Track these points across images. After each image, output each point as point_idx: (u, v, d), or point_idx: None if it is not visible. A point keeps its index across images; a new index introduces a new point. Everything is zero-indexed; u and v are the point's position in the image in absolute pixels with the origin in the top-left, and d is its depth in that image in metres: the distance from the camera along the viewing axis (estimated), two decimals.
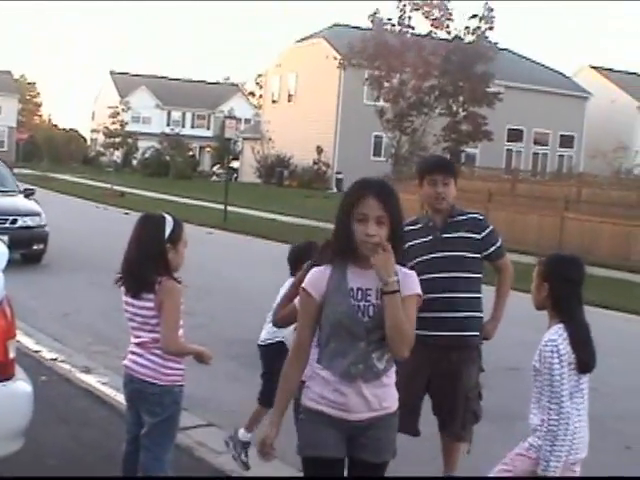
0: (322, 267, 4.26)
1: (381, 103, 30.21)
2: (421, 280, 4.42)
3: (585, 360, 4.94)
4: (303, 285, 4.24)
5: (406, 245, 6.07)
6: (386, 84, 30.21)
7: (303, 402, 4.34)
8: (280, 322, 5.97)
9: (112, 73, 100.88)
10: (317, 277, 4.24)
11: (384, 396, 4.26)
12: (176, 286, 5.07)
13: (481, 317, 6.43)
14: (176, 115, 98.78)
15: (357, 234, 4.11)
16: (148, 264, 5.06)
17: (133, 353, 5.24)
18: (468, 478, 5.20)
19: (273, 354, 6.71)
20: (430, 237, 6.33)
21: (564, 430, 4.84)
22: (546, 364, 4.86)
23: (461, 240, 6.28)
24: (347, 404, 4.19)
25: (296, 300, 5.79)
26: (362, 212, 4.10)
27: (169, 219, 5.14)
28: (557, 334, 4.91)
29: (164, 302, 5.02)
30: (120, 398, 7.19)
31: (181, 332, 5.18)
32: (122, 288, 5.23)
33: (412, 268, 5.88)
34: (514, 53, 66.65)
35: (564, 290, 5.01)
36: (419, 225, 6.41)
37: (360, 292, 4.18)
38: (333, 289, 4.18)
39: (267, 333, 7.11)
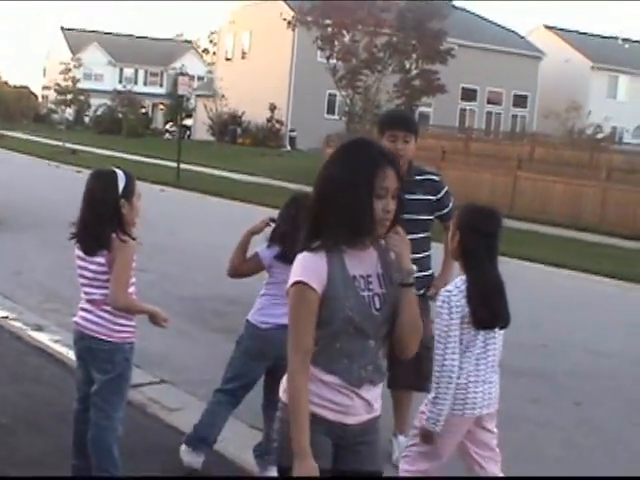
0: (313, 254, 3.54)
1: (333, 61, 30.04)
2: None
3: (481, 316, 4.80)
4: (300, 278, 3.51)
5: None
6: (337, 43, 30.04)
7: (285, 399, 3.67)
8: (234, 273, 5.97)
9: (63, 29, 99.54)
10: (314, 267, 3.51)
11: (378, 396, 3.75)
12: (129, 242, 5.02)
13: (432, 274, 6.45)
14: (128, 72, 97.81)
15: (375, 211, 3.50)
16: (103, 221, 5.00)
17: (83, 310, 5.21)
18: (466, 478, 5.18)
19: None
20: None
21: (446, 383, 4.80)
22: (437, 314, 4.87)
23: (417, 202, 6.12)
24: (350, 407, 3.62)
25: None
26: (384, 186, 3.50)
27: (121, 174, 5.08)
28: (454, 285, 4.85)
29: (116, 258, 4.98)
30: (72, 356, 7.14)
31: (133, 289, 5.15)
32: (75, 245, 5.18)
33: None
34: (469, 12, 66.65)
35: (472, 242, 4.87)
36: None
37: (362, 280, 3.59)
38: (336, 280, 3.51)
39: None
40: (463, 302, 4.77)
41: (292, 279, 3.56)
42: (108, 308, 5.07)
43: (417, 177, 6.35)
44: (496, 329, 4.91)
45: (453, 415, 4.87)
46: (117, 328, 5.12)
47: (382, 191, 3.49)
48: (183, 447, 6.02)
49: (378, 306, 3.59)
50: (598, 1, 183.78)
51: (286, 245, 5.59)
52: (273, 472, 5.80)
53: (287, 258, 5.60)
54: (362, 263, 3.60)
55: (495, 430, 5.11)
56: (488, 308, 4.81)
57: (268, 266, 5.76)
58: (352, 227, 3.51)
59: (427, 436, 4.93)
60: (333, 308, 3.51)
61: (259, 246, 5.83)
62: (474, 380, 4.87)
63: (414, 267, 3.63)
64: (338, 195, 3.52)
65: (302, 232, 3.66)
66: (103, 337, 5.11)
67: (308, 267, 3.54)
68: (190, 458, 5.98)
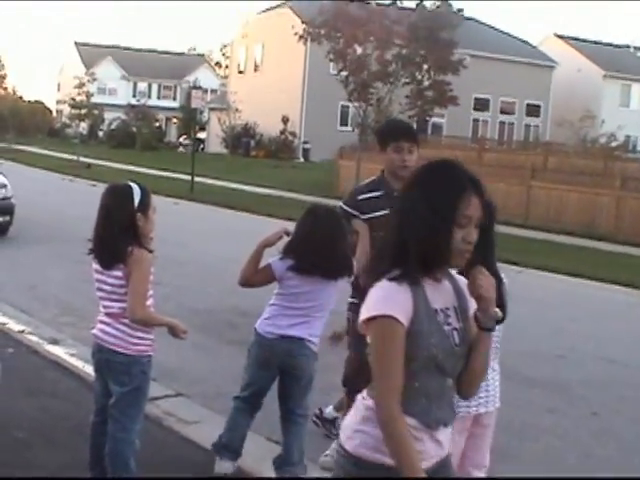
0: (395, 284, 3.21)
1: (345, 74, 30.06)
2: None
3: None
4: (386, 312, 3.17)
5: (371, 215, 6.02)
6: (349, 56, 30.07)
7: (354, 449, 3.32)
8: (245, 283, 5.99)
9: (77, 44, 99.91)
10: (400, 298, 3.19)
11: (449, 435, 3.48)
12: (146, 255, 5.04)
13: None
14: (142, 86, 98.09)
15: (454, 241, 3.21)
16: (119, 235, 5.03)
17: (102, 322, 5.23)
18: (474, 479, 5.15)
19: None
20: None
21: None
22: None
23: None
24: (422, 452, 3.28)
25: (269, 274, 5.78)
26: (467, 214, 3.20)
27: (136, 187, 5.11)
28: None
29: (133, 271, 5.00)
30: (88, 369, 7.18)
31: (151, 302, 5.17)
32: (93, 259, 5.20)
33: (374, 239, 5.93)
34: (480, 22, 66.66)
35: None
36: (380, 192, 6.15)
37: (442, 314, 3.33)
38: (420, 313, 3.22)
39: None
40: None
41: (372, 311, 3.21)
42: (126, 321, 5.09)
43: None
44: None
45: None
46: (135, 341, 5.13)
47: (464, 219, 3.19)
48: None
49: (457, 342, 3.33)
50: (608, 10, 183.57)
51: (301, 257, 5.62)
52: None
53: (301, 269, 5.62)
54: (441, 295, 3.34)
55: (491, 427, 5.06)
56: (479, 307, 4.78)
57: (279, 278, 5.77)
58: (428, 256, 3.22)
59: None
60: (416, 344, 3.20)
61: (272, 257, 5.83)
62: None
63: (499, 312, 3.39)
64: (415, 221, 3.21)
65: (377, 258, 3.39)
66: (121, 350, 5.12)
67: (392, 299, 3.21)
68: (217, 466, 6.04)
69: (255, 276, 5.89)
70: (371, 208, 6.03)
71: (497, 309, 3.37)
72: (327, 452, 6.53)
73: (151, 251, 5.10)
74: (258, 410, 6.05)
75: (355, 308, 6.26)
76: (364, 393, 3.38)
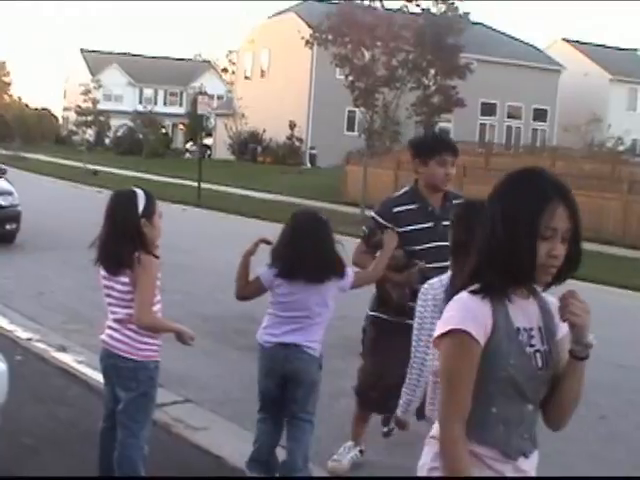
0: (476, 298, 3.02)
1: (351, 79, 30.05)
2: None
3: None
4: (462, 327, 2.97)
5: (405, 228, 5.98)
6: (356, 61, 30.05)
7: None
8: (240, 296, 6.00)
9: (82, 51, 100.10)
10: (478, 314, 2.99)
11: (534, 465, 3.25)
12: (152, 260, 5.04)
13: None
14: (148, 92, 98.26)
15: (538, 255, 2.97)
16: (124, 241, 5.04)
17: (110, 328, 5.24)
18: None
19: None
20: (430, 224, 6.05)
21: (416, 375, 4.79)
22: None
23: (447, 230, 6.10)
24: None
25: (260, 275, 5.79)
26: (551, 226, 2.96)
27: (140, 193, 5.11)
28: (438, 279, 4.79)
29: (139, 276, 5.00)
30: (96, 376, 7.18)
31: (158, 307, 5.17)
32: (99, 265, 5.21)
33: (407, 254, 5.89)
34: (487, 27, 66.58)
35: (462, 234, 4.73)
36: (416, 206, 6.10)
37: (526, 334, 3.10)
38: (500, 331, 3.01)
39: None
40: (442, 296, 4.67)
41: (448, 325, 3.00)
42: (133, 327, 5.10)
43: (453, 201, 6.18)
44: None
45: (433, 414, 4.82)
46: (142, 347, 5.13)
47: (548, 232, 2.94)
48: None
49: (540, 365, 3.08)
50: (615, 13, 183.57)
51: (283, 262, 5.64)
52: None
53: (284, 275, 5.63)
54: (525, 314, 3.10)
55: None
56: None
57: (269, 286, 5.80)
58: (511, 271, 2.98)
59: (400, 423, 4.99)
60: (493, 365, 2.98)
61: (261, 267, 5.84)
62: None
63: (593, 339, 3.09)
64: (496, 233, 2.99)
65: (463, 271, 3.21)
66: (127, 355, 5.13)
67: (471, 313, 2.99)
68: None
69: (247, 288, 5.93)
70: (407, 222, 5.99)
71: (591, 336, 3.08)
72: (335, 456, 6.51)
73: (157, 257, 5.10)
74: (280, 420, 6.00)
75: (374, 320, 6.34)
76: (433, 431, 3.16)
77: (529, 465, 3.15)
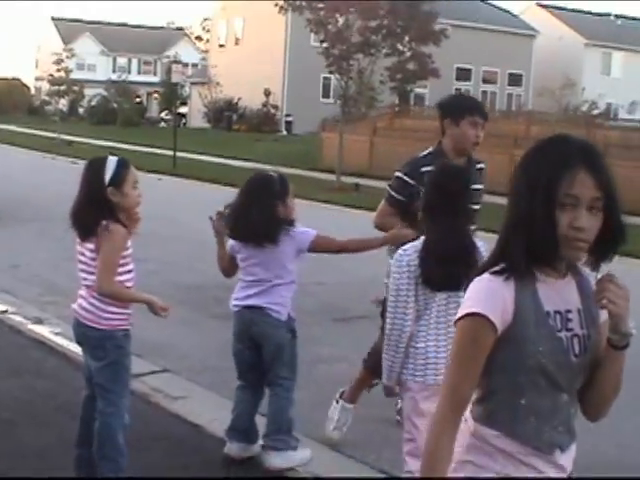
0: (498, 278, 2.73)
1: (325, 45, 29.91)
2: None
3: (428, 275, 4.68)
4: (477, 309, 2.71)
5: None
6: (330, 27, 29.89)
7: None
8: (225, 274, 5.99)
9: (54, 19, 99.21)
10: (498, 296, 2.72)
11: (572, 458, 2.94)
12: (117, 229, 4.99)
13: None
14: (122, 61, 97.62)
15: (559, 226, 2.66)
16: (90, 208, 5.02)
17: (80, 296, 5.22)
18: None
19: None
20: None
21: (395, 341, 4.75)
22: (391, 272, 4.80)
23: (477, 193, 5.93)
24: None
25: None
26: (571, 192, 2.64)
27: (111, 161, 5.05)
28: (412, 245, 4.76)
29: (102, 244, 4.97)
30: (73, 348, 7.14)
31: (128, 277, 5.11)
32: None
33: None
34: None
35: (434, 199, 4.76)
36: None
37: (559, 317, 2.79)
38: (526, 315, 2.72)
39: None
40: (416, 262, 4.68)
41: (465, 308, 2.77)
42: (97, 295, 5.07)
43: (477, 165, 6.20)
44: (462, 292, 4.69)
45: (415, 382, 4.80)
46: (106, 315, 5.10)
47: (568, 199, 2.64)
48: None
49: (577, 351, 2.79)
50: None
51: (232, 227, 5.70)
52: (276, 458, 5.80)
53: (236, 238, 5.71)
54: (560, 295, 2.80)
55: None
56: (439, 267, 4.67)
57: (233, 254, 5.86)
58: (534, 246, 2.69)
59: (386, 389, 4.99)
60: (520, 352, 2.72)
61: None
62: (434, 345, 4.76)
63: (633, 328, 2.75)
64: (516, 205, 2.75)
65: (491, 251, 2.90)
66: (93, 324, 5.12)
67: (489, 295, 2.73)
68: (226, 448, 5.99)
69: (227, 264, 5.92)
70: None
71: (632, 324, 2.73)
72: (334, 425, 6.46)
73: (126, 226, 5.04)
74: (259, 389, 5.98)
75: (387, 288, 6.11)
76: (466, 414, 2.83)
77: (566, 459, 2.86)
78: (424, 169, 5.72)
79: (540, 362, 2.71)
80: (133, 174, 5.12)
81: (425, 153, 6.09)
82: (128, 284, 5.13)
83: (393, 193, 6.08)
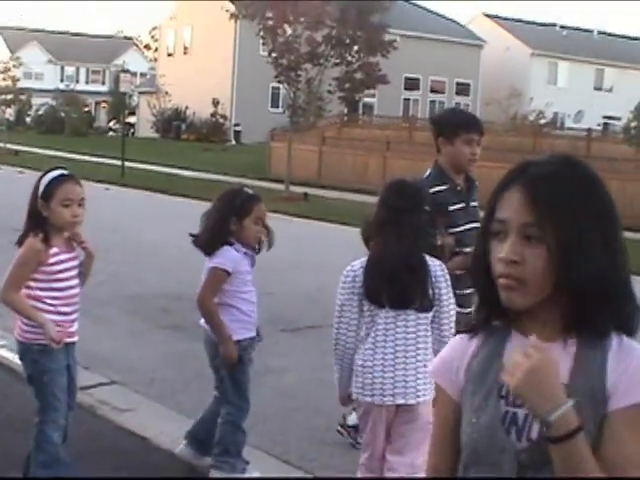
0: (464, 336, 2.27)
1: (274, 55, 29.91)
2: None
3: (371, 292, 4.65)
4: (433, 377, 2.37)
5: (448, 208, 5.55)
6: (279, 37, 29.90)
7: None
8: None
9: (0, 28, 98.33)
10: (455, 357, 2.27)
11: None
12: (29, 243, 4.97)
13: None
14: (70, 70, 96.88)
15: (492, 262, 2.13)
16: (27, 219, 5.06)
17: None
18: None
19: None
20: (462, 204, 5.66)
21: (340, 357, 4.77)
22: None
23: (476, 211, 5.78)
24: None
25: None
26: (500, 217, 2.13)
27: (48, 176, 5.02)
28: (360, 260, 4.74)
29: (17, 255, 5.03)
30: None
31: (55, 294, 5.03)
32: None
33: (451, 235, 5.35)
34: (410, 3, 66.82)
35: (380, 214, 4.72)
36: (447, 186, 5.66)
37: None
38: (469, 381, 2.22)
39: None
40: (361, 277, 4.66)
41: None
42: None
43: (474, 183, 5.96)
44: (411, 310, 4.68)
45: (364, 399, 4.78)
46: (25, 328, 5.12)
47: (497, 225, 2.12)
48: None
49: (535, 435, 2.08)
50: None
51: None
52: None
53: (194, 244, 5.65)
54: None
55: (416, 422, 4.75)
56: (381, 283, 4.63)
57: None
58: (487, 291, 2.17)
59: (341, 399, 4.98)
60: (462, 426, 2.20)
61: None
62: (381, 364, 4.69)
63: (563, 408, 1.94)
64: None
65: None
66: (16, 336, 5.19)
67: (445, 358, 2.31)
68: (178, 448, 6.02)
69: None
70: (441, 203, 5.47)
71: (558, 412, 1.94)
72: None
73: (46, 240, 4.99)
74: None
75: None
76: None
77: None
78: (432, 190, 5.49)
79: (470, 439, 2.16)
80: (65, 191, 4.99)
81: (427, 175, 5.80)
82: (56, 302, 5.07)
83: None
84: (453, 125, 5.74)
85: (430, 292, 4.68)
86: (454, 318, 4.81)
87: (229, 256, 5.51)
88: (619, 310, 2.09)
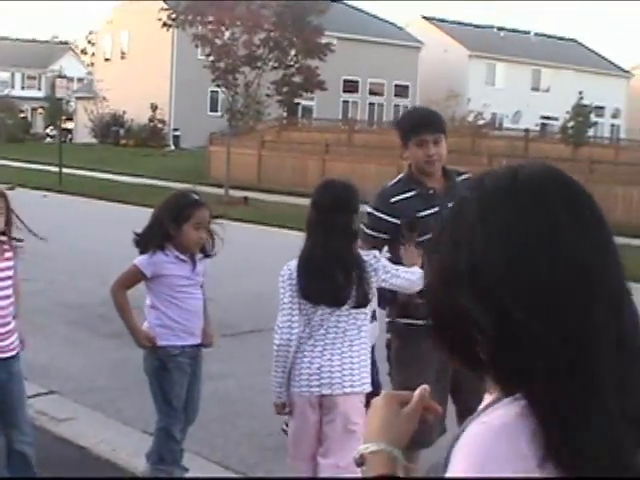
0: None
1: (212, 59, 29.85)
2: None
3: (304, 290, 4.72)
4: None
5: (418, 215, 5.22)
6: (217, 40, 29.84)
7: None
8: None
9: None
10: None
11: None
12: None
13: None
14: (4, 76, 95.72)
15: None
16: None
17: None
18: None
19: None
20: (434, 209, 5.16)
21: (277, 355, 4.80)
22: None
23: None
24: None
25: None
26: None
27: None
28: (297, 259, 4.82)
29: None
30: None
31: None
32: None
33: (420, 244, 5.01)
34: (347, 5, 67.00)
35: (310, 214, 4.80)
36: (414, 192, 5.32)
37: None
38: None
39: None
40: (295, 274, 4.75)
41: None
42: None
43: (457, 179, 5.48)
44: (345, 307, 4.76)
45: (293, 392, 4.84)
46: None
47: None
48: None
49: None
50: None
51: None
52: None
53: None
54: None
55: (341, 416, 4.80)
56: (312, 281, 4.73)
57: None
58: None
59: (277, 407, 4.97)
60: None
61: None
62: (302, 356, 4.78)
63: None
64: None
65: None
66: None
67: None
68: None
69: None
70: (407, 211, 5.22)
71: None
72: None
73: None
74: (180, 415, 5.79)
75: (398, 328, 5.38)
76: None
77: None
78: (394, 199, 5.30)
79: None
80: None
81: (395, 181, 5.53)
82: None
83: (368, 231, 5.28)
84: (404, 129, 5.49)
85: (366, 287, 4.75)
86: (402, 272, 4.89)
87: (153, 259, 5.46)
88: None
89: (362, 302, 4.75)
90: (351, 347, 4.79)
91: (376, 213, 5.31)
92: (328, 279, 4.67)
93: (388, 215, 5.23)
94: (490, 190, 1.55)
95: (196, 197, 5.63)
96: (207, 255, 5.67)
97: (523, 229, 1.47)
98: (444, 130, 5.44)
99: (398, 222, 5.11)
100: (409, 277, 4.84)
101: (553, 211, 1.48)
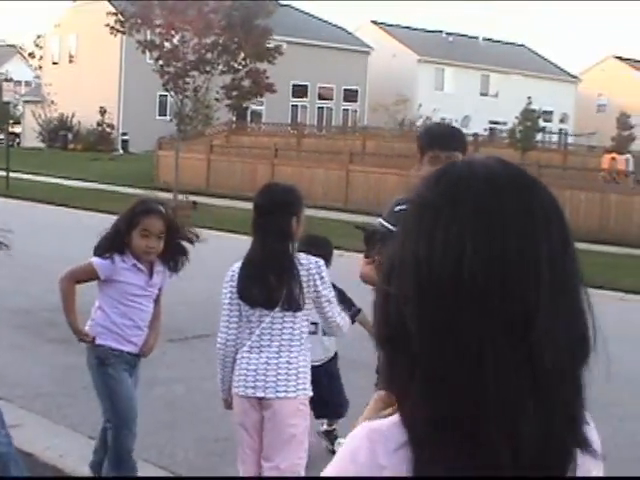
0: None
1: (160, 63, 29.73)
2: None
3: (241, 292, 4.81)
4: None
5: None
6: (166, 44, 29.73)
7: None
8: None
9: None
10: None
11: None
12: None
13: None
14: None
15: None
16: None
17: None
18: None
19: None
20: None
21: (222, 357, 4.92)
22: None
23: None
24: None
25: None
26: None
27: None
28: (238, 263, 4.90)
29: None
30: None
31: None
32: None
33: None
34: (296, 9, 67.06)
35: (252, 218, 4.90)
36: None
37: None
38: None
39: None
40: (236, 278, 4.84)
41: None
42: None
43: None
44: (278, 309, 4.81)
45: (237, 394, 4.92)
46: None
47: None
48: None
49: None
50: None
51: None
52: None
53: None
54: None
55: (280, 420, 4.85)
56: (248, 283, 4.80)
57: None
58: None
59: (225, 402, 5.09)
60: None
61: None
62: (241, 357, 4.87)
63: None
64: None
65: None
66: None
67: None
68: None
69: None
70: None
71: None
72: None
73: None
74: None
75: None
76: None
77: None
78: (398, 208, 5.15)
79: None
80: None
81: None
82: None
83: (380, 241, 5.22)
84: (421, 144, 5.39)
85: (297, 292, 4.77)
86: (337, 308, 4.97)
87: (110, 262, 5.45)
88: None
89: (292, 305, 4.79)
90: (289, 351, 4.84)
91: (384, 223, 5.31)
92: (261, 281, 4.75)
93: (392, 225, 5.10)
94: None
95: (152, 205, 5.57)
96: (173, 270, 5.67)
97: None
98: (460, 148, 5.20)
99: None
100: (343, 317, 5.03)
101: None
